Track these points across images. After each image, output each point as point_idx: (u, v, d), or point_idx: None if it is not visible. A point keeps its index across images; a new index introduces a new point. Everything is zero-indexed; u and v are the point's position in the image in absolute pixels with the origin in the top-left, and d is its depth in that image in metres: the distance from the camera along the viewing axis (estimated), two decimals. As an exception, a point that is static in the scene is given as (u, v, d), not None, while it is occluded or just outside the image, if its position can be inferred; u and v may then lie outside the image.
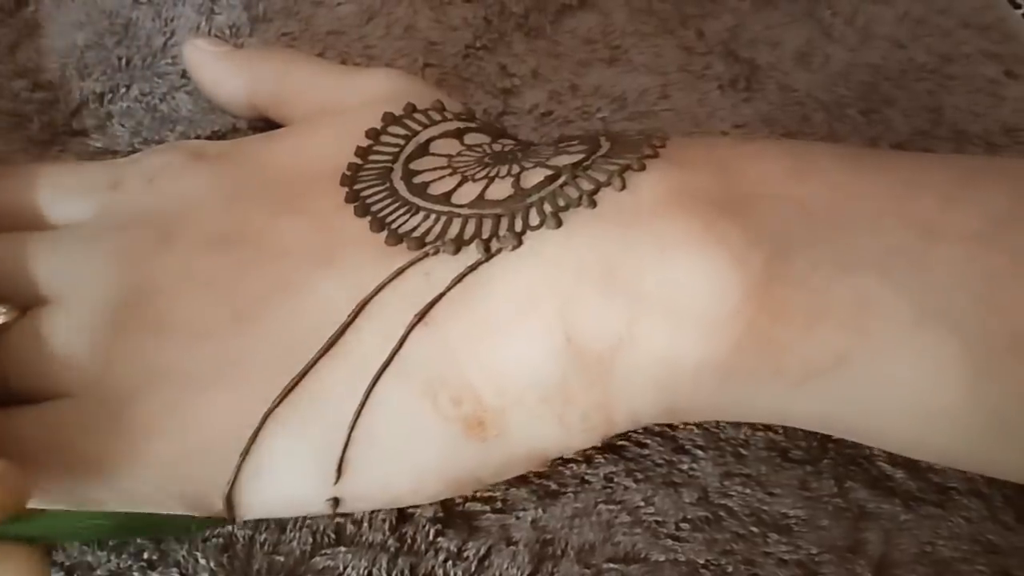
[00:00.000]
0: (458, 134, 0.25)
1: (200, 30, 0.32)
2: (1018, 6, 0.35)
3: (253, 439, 0.21)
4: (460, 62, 0.32)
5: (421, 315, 0.22)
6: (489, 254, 0.22)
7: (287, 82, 0.28)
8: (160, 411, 0.21)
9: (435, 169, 0.24)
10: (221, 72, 0.29)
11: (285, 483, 0.21)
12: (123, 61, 0.32)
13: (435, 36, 0.33)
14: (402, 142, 0.25)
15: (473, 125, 0.26)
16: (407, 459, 0.22)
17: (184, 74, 0.31)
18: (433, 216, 0.23)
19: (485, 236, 0.22)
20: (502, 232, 0.22)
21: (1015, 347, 0.20)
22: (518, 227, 0.22)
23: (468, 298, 0.22)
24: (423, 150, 0.25)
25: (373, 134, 0.25)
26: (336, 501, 0.22)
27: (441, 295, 0.22)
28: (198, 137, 0.30)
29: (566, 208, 0.22)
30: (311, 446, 0.21)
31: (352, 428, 0.21)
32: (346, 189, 0.24)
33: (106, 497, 0.21)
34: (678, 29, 0.33)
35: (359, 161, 0.25)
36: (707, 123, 0.31)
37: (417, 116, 0.26)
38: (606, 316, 0.21)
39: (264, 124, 0.29)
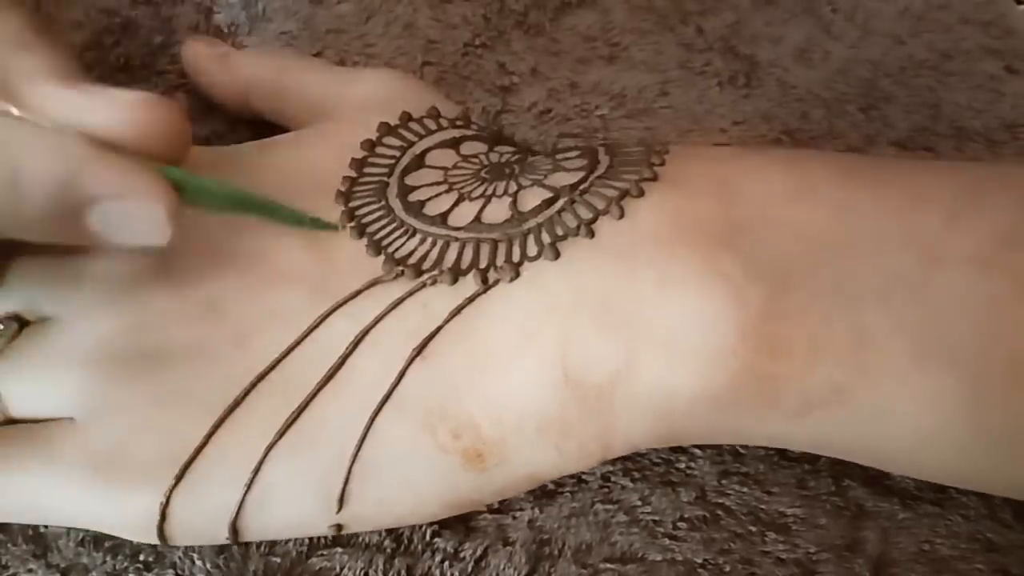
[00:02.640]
0: (454, 144, 0.25)
1: (199, 29, 0.32)
2: (1019, 1, 0.34)
3: (256, 471, 0.21)
4: (459, 60, 0.32)
5: (420, 348, 0.22)
6: (487, 285, 0.22)
7: (285, 84, 0.28)
8: (161, 438, 0.21)
9: (431, 185, 0.24)
10: (218, 72, 0.29)
11: (288, 513, 0.22)
12: (122, 60, 0.32)
13: (434, 34, 0.33)
14: (398, 153, 0.25)
15: (469, 132, 0.26)
16: (407, 489, 0.22)
17: (183, 73, 0.31)
18: (430, 240, 0.23)
19: (482, 265, 0.22)
20: (499, 262, 0.22)
21: (1015, 374, 0.20)
22: (516, 257, 0.22)
23: (466, 330, 0.22)
24: (419, 162, 0.25)
25: (368, 145, 0.25)
26: (339, 527, 0.22)
27: (439, 328, 0.22)
28: (196, 137, 0.30)
29: (564, 238, 0.22)
30: (313, 478, 0.21)
31: (353, 461, 0.21)
32: (342, 206, 0.24)
33: (102, 513, 0.21)
34: (678, 26, 0.33)
35: (354, 174, 0.25)
36: (706, 120, 0.31)
37: (412, 125, 0.26)
38: (604, 349, 0.21)
39: (262, 124, 0.29)
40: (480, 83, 0.32)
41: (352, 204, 0.24)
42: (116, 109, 0.19)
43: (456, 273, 0.22)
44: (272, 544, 0.23)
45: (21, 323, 0.23)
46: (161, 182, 0.20)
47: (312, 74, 0.28)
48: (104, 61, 0.31)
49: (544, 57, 0.32)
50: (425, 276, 0.22)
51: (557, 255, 0.22)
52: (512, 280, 0.22)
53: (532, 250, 0.22)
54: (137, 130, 0.19)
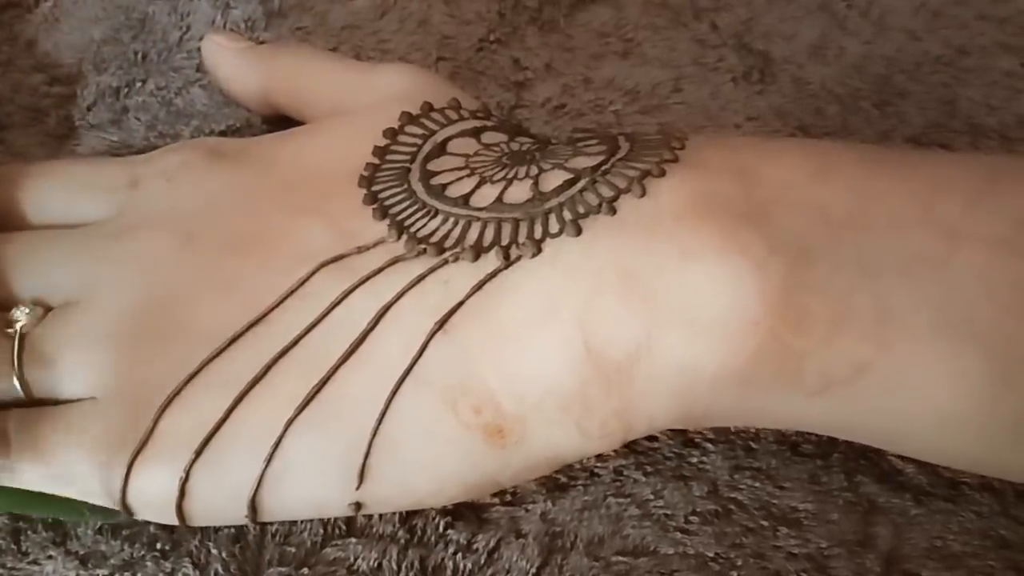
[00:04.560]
0: (475, 133, 0.25)
1: (215, 24, 0.33)
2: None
3: (276, 446, 0.21)
4: (473, 56, 0.32)
5: (441, 323, 0.22)
6: (508, 261, 0.22)
7: (303, 79, 0.28)
8: (182, 416, 0.22)
9: (453, 170, 0.24)
10: (238, 68, 0.29)
11: (307, 489, 0.22)
12: (139, 56, 0.32)
13: (449, 30, 0.33)
14: (419, 141, 0.25)
15: (490, 123, 0.26)
16: (428, 465, 0.22)
17: (199, 68, 0.31)
18: (452, 219, 0.23)
19: (504, 243, 0.22)
20: (521, 239, 0.22)
21: None
22: (537, 234, 0.22)
23: (487, 306, 0.22)
24: (440, 150, 0.25)
25: (390, 133, 0.25)
26: (358, 505, 0.22)
27: (461, 303, 0.22)
28: (212, 132, 0.30)
29: (585, 215, 0.22)
30: (333, 453, 0.22)
31: (373, 436, 0.21)
32: (364, 190, 0.24)
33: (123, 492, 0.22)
34: (691, 22, 0.33)
35: (377, 161, 0.25)
36: (720, 116, 0.31)
37: (434, 115, 0.26)
38: (625, 324, 0.21)
39: (279, 119, 0.29)
40: (494, 79, 0.32)
41: (375, 188, 0.24)
42: None
43: (478, 250, 0.22)
44: (287, 533, 0.23)
45: (46, 306, 0.23)
46: None
47: (331, 69, 0.28)
48: (122, 56, 0.32)
49: (558, 53, 0.32)
50: (447, 253, 0.22)
51: (579, 232, 0.22)
52: (534, 256, 0.22)
53: (554, 227, 0.22)
54: None
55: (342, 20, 0.33)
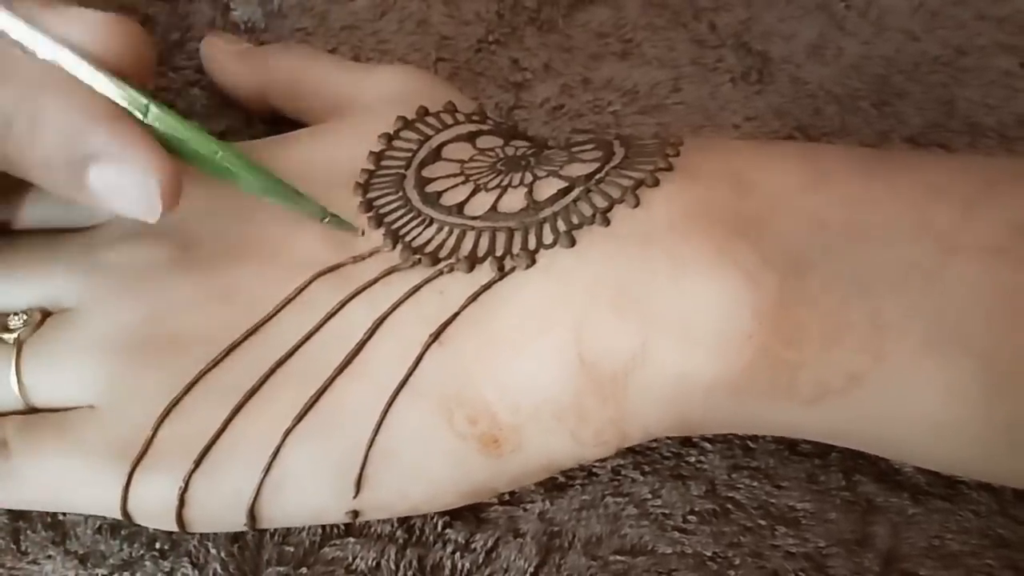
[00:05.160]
0: (470, 138, 0.25)
1: (215, 26, 0.33)
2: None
3: (274, 456, 0.21)
4: (472, 56, 0.32)
5: (436, 334, 0.22)
6: (503, 272, 0.22)
7: (301, 80, 0.28)
8: (181, 427, 0.22)
9: (448, 176, 0.24)
10: (237, 69, 0.29)
11: (305, 498, 0.22)
12: (139, 57, 0.32)
13: (448, 31, 0.33)
14: (415, 147, 0.25)
15: (485, 127, 0.26)
16: (424, 474, 0.22)
17: (199, 69, 0.31)
18: (447, 229, 0.23)
19: (499, 253, 0.22)
20: (515, 250, 0.22)
21: None
22: (531, 245, 0.22)
23: (482, 317, 0.22)
24: (436, 155, 0.25)
25: (386, 139, 0.25)
26: (355, 513, 0.22)
27: (456, 314, 0.22)
28: (212, 133, 0.30)
29: (579, 226, 0.22)
30: (330, 463, 0.22)
31: (370, 446, 0.22)
32: (360, 197, 0.24)
33: (122, 500, 0.22)
34: (690, 22, 0.33)
35: (372, 167, 0.25)
36: (719, 116, 0.31)
37: (429, 119, 0.26)
38: (619, 335, 0.21)
39: (278, 120, 0.29)
40: (493, 79, 0.32)
41: (370, 195, 0.24)
42: (87, 27, 0.21)
43: (472, 261, 0.22)
44: (286, 533, 0.23)
45: (43, 313, 0.23)
46: (160, 156, 0.21)
47: (329, 70, 0.28)
48: (122, 57, 0.32)
49: (557, 53, 0.32)
50: (442, 264, 0.23)
51: (573, 243, 0.22)
52: (528, 267, 0.22)
53: (548, 238, 0.22)
54: (106, 46, 0.21)
55: (341, 21, 0.33)
